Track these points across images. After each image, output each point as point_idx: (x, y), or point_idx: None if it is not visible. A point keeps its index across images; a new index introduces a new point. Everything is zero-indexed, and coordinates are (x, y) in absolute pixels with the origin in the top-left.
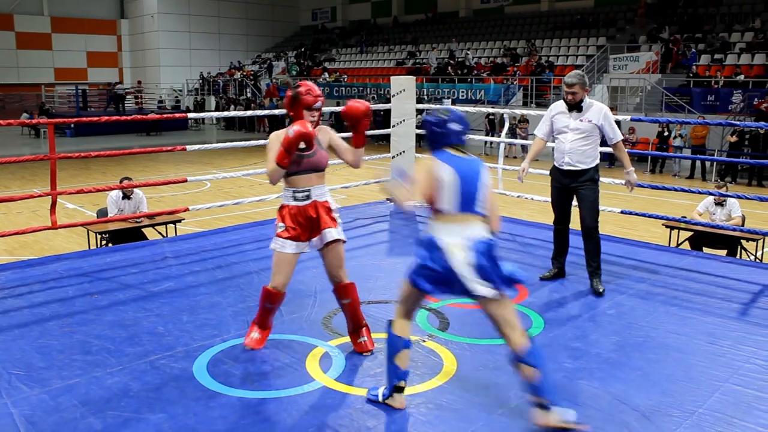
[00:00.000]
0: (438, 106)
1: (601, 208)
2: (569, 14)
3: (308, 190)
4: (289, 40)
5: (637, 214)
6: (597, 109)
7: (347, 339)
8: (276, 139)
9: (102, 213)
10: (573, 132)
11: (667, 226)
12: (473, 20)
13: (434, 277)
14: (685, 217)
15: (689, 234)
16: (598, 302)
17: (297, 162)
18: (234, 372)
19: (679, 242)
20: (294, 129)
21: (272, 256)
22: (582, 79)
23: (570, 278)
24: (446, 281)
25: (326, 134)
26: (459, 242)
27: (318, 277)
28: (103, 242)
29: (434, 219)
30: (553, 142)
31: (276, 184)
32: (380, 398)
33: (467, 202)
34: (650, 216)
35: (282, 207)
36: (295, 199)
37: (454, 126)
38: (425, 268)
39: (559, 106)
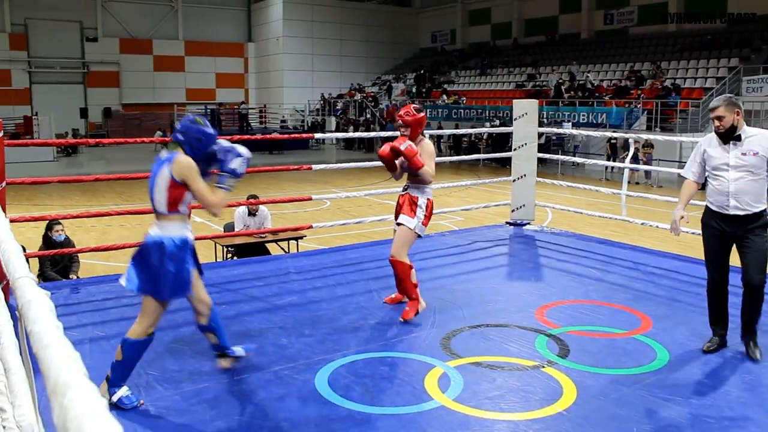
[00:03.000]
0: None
1: None
2: (698, 35)
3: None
4: (409, 62)
5: None
6: (763, 137)
7: (466, 360)
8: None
9: (228, 227)
10: (735, 169)
11: None
12: (595, 42)
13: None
14: None
15: None
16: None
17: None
18: (354, 386)
19: None
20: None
21: (406, 233)
22: (728, 99)
23: (696, 310)
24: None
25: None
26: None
27: (437, 298)
28: (229, 255)
29: None
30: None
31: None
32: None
33: (151, 201)
34: None
35: (428, 199)
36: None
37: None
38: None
39: (710, 139)
